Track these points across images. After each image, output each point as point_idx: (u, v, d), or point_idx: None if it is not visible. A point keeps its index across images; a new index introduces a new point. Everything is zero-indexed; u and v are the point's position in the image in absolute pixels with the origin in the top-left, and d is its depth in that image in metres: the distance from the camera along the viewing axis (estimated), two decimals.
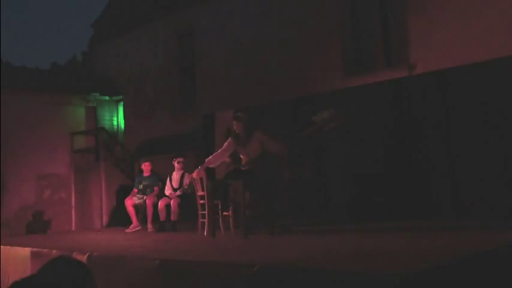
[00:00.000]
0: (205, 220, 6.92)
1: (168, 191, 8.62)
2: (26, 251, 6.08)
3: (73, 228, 13.10)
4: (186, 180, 8.49)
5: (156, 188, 8.73)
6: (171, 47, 13.28)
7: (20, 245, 6.52)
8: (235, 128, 6.63)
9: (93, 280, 2.08)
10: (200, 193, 7.13)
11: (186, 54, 13.11)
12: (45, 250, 5.86)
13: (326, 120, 7.42)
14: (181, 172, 8.68)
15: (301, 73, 10.14)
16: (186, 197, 8.44)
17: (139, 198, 8.73)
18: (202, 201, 7.08)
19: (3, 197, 12.11)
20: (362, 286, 3.20)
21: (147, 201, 8.51)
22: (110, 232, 9.14)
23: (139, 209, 8.79)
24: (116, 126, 14.74)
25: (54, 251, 5.69)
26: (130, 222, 8.68)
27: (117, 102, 14.75)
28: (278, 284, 3.59)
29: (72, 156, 13.52)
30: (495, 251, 4.14)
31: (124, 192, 10.07)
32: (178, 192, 8.48)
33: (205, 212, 6.93)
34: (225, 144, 6.79)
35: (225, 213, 7.05)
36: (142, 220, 8.71)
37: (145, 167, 8.97)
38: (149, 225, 8.44)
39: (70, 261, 2.13)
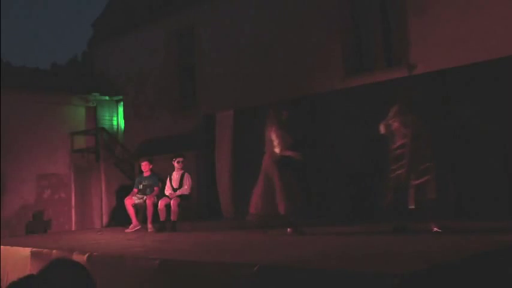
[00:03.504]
0: None
1: (168, 191, 8.62)
2: (26, 251, 6.08)
3: (73, 228, 13.09)
4: None
5: (156, 188, 8.73)
6: (171, 47, 13.27)
7: (20, 245, 6.52)
8: None
9: (94, 282, 2.08)
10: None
11: (186, 54, 13.10)
12: (45, 250, 5.85)
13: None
14: (181, 172, 8.67)
15: (301, 73, 10.13)
16: (186, 197, 8.45)
17: (139, 198, 8.72)
18: None
19: (3, 197, 12.10)
20: (362, 286, 3.20)
21: (147, 201, 8.51)
22: (110, 232, 9.13)
23: (139, 209, 8.79)
24: (116, 126, 14.73)
25: (54, 251, 5.70)
26: (130, 222, 8.67)
27: (117, 102, 14.74)
28: (278, 284, 3.59)
29: (72, 156, 13.50)
30: (495, 252, 4.14)
31: (124, 192, 10.06)
32: (178, 192, 8.48)
33: None
34: None
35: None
36: (142, 220, 8.71)
37: (144, 166, 8.96)
38: (149, 225, 8.44)
39: (70, 263, 2.12)
